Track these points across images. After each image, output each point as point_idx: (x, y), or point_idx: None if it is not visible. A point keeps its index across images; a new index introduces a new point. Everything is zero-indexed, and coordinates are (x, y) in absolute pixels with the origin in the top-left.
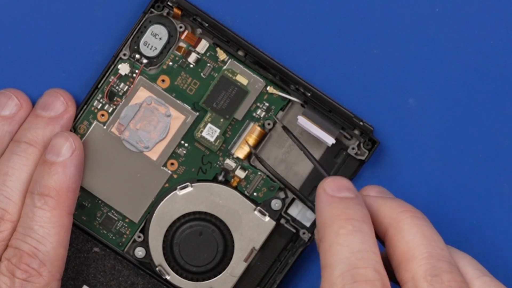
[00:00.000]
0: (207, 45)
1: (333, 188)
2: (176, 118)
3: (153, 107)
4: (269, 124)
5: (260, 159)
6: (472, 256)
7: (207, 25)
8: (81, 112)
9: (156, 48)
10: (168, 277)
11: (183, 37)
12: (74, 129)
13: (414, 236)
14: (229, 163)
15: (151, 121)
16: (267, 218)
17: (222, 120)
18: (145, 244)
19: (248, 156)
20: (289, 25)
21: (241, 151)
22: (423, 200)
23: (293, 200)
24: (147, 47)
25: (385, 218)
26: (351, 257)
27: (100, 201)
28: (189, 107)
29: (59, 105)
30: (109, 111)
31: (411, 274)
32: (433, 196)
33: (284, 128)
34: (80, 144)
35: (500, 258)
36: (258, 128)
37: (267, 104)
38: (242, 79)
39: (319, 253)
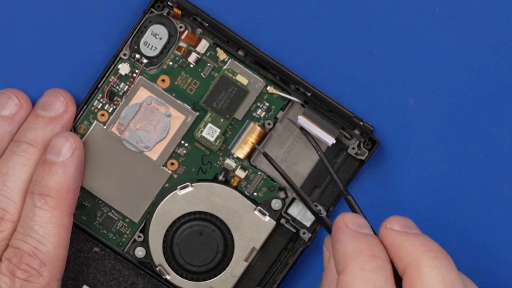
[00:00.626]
0: (207, 45)
1: (355, 223)
2: (176, 118)
3: (153, 107)
4: (269, 124)
5: (268, 157)
6: (472, 256)
7: (207, 25)
8: (81, 112)
9: (156, 48)
10: (168, 277)
11: (183, 37)
12: (74, 129)
13: (433, 280)
14: (229, 163)
15: (151, 121)
16: (267, 218)
17: (222, 120)
18: (145, 244)
19: (248, 156)
20: (289, 25)
21: (241, 151)
22: (423, 200)
23: (293, 200)
24: (147, 47)
25: (406, 256)
26: None
27: (100, 201)
28: (189, 107)
29: (59, 105)
30: (109, 111)
31: None
32: (433, 196)
33: (301, 129)
34: (81, 144)
35: (500, 258)
36: (258, 128)
37: (267, 104)
38: (242, 79)
39: (337, 284)
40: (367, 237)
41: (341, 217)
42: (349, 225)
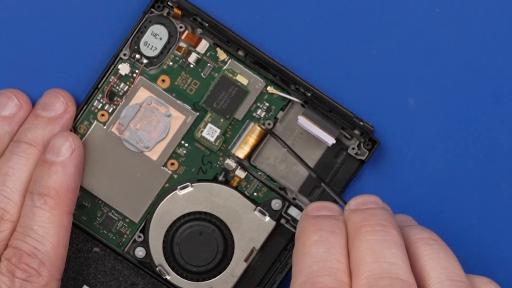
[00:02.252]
0: (207, 45)
1: (313, 209)
2: (176, 118)
3: (153, 107)
4: (269, 124)
5: (251, 168)
6: (472, 256)
7: (207, 25)
8: (81, 112)
9: (156, 48)
10: (168, 277)
11: (183, 37)
12: (74, 129)
13: (362, 253)
14: (229, 163)
15: (151, 121)
16: (267, 218)
17: (222, 120)
18: (145, 244)
19: (249, 156)
20: (289, 25)
21: (241, 151)
22: (423, 200)
23: (293, 200)
24: (147, 47)
25: (349, 232)
26: (313, 266)
27: (100, 201)
28: (189, 107)
29: (59, 105)
30: (109, 111)
31: None
32: (433, 196)
33: (272, 133)
34: (80, 144)
35: (500, 258)
36: (258, 128)
37: (267, 104)
38: (242, 79)
39: None
40: (317, 217)
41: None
42: (307, 211)
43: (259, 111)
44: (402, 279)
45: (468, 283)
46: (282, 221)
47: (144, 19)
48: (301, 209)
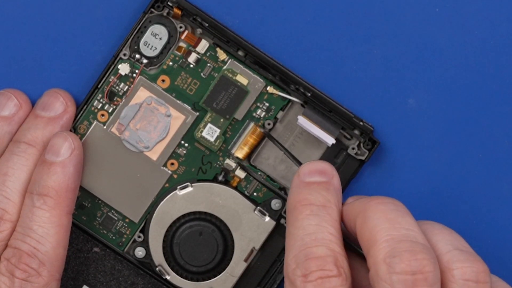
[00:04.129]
0: (207, 45)
1: (305, 172)
2: (176, 118)
3: (153, 107)
4: (269, 124)
5: (251, 169)
6: None
7: (207, 25)
8: (81, 112)
9: (156, 48)
10: (168, 277)
11: (183, 37)
12: (74, 129)
13: (377, 221)
14: (229, 163)
15: (151, 121)
16: (267, 218)
17: (222, 120)
18: (145, 244)
19: (248, 156)
20: (289, 25)
21: (241, 151)
22: (423, 200)
23: None
24: (147, 47)
25: (353, 211)
26: (305, 238)
27: (100, 201)
28: (189, 107)
29: (58, 105)
30: (109, 111)
31: (373, 259)
32: (433, 196)
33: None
34: (79, 144)
35: (500, 258)
36: (258, 128)
37: (267, 104)
38: (242, 79)
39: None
40: (308, 186)
41: (298, 168)
42: (300, 175)
43: (259, 111)
44: (421, 242)
45: (476, 254)
46: (282, 221)
47: (144, 19)
48: None
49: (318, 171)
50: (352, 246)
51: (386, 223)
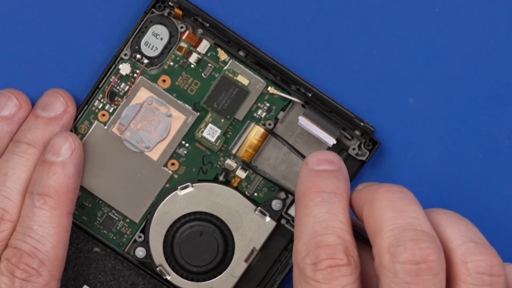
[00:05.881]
0: (208, 45)
1: (314, 161)
2: (177, 118)
3: (154, 107)
4: (270, 124)
5: (253, 167)
6: None
7: (208, 25)
8: (82, 112)
9: (157, 48)
10: (168, 277)
11: (184, 37)
12: (75, 129)
13: (383, 210)
14: (230, 163)
15: (152, 121)
16: (267, 219)
17: (223, 120)
18: (145, 244)
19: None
20: (290, 26)
21: (246, 153)
22: (423, 200)
23: (294, 200)
24: (148, 47)
25: (361, 199)
26: (315, 226)
27: (100, 201)
28: (190, 107)
29: (59, 105)
30: (110, 111)
31: (377, 248)
32: (434, 196)
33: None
34: (80, 144)
35: (501, 258)
36: (261, 130)
37: (268, 105)
38: (243, 80)
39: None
40: (318, 173)
41: (306, 157)
42: (308, 163)
43: (259, 112)
44: (426, 231)
45: (490, 246)
46: (283, 221)
47: (145, 19)
48: None
49: (327, 160)
50: (360, 235)
51: (391, 212)
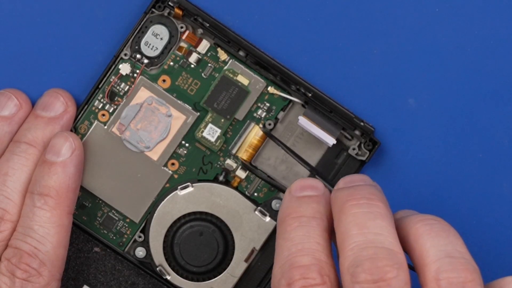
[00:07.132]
0: (208, 45)
1: (297, 188)
2: (177, 118)
3: (154, 107)
4: (270, 124)
5: (252, 168)
6: (472, 256)
7: (208, 25)
8: (82, 112)
9: (157, 48)
10: (168, 277)
11: (184, 37)
12: (75, 129)
13: (346, 226)
14: (230, 163)
15: (152, 121)
16: (267, 219)
17: (223, 120)
18: (145, 244)
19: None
20: (290, 26)
21: (246, 153)
22: (424, 200)
23: None
24: (148, 47)
25: (334, 209)
26: (292, 248)
27: (100, 201)
28: (190, 107)
29: (59, 105)
30: (110, 111)
31: (340, 268)
32: (434, 196)
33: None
34: (80, 144)
35: (501, 258)
36: (258, 128)
37: (268, 105)
38: (243, 80)
39: None
40: (299, 200)
41: (290, 185)
42: (291, 191)
43: (259, 112)
44: (387, 247)
45: (471, 260)
46: None
47: (145, 19)
48: None
49: (310, 186)
50: None
51: (354, 228)
